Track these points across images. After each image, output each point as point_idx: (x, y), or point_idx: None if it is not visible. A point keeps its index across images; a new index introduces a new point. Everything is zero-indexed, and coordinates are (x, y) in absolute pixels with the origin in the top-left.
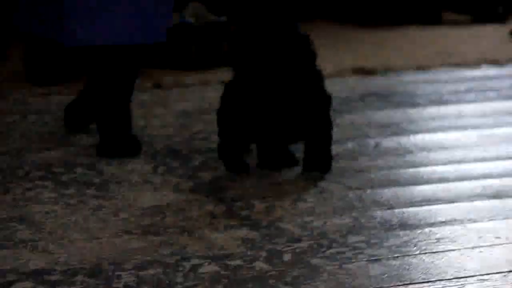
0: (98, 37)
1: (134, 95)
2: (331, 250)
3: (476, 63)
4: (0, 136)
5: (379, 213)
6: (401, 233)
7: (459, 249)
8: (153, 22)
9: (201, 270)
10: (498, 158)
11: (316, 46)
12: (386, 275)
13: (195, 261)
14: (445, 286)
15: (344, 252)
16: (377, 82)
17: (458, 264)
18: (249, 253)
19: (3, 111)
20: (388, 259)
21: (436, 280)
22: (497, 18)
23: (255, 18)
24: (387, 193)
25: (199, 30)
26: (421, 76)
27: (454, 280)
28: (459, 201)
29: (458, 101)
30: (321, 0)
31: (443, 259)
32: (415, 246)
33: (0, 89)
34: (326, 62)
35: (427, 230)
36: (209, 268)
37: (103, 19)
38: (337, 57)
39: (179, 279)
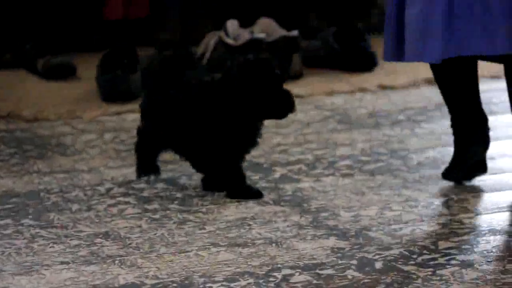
0: None
1: None
2: (423, 257)
3: None
4: (79, 155)
5: (467, 220)
6: (492, 238)
7: None
8: None
9: (293, 280)
10: None
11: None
12: (480, 279)
13: (286, 271)
14: None
15: (436, 259)
16: None
17: None
18: (339, 262)
19: (79, 130)
20: (481, 264)
21: None
22: None
23: None
24: (473, 199)
25: (271, 45)
26: (496, 84)
27: None
28: None
29: None
30: None
31: None
32: (507, 250)
33: (75, 108)
34: (399, 74)
35: None
36: (301, 277)
37: None
38: (410, 69)
39: None
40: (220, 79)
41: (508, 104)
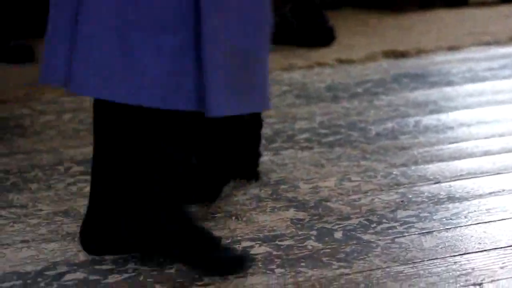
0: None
1: None
2: (382, 226)
3: (507, 41)
4: (37, 136)
5: (426, 188)
6: (451, 205)
7: (511, 218)
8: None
9: (253, 251)
10: None
11: (346, 34)
12: (440, 246)
13: (246, 243)
14: (500, 254)
15: (395, 227)
16: (409, 64)
17: None
18: (299, 233)
19: (38, 112)
20: (440, 231)
21: (491, 249)
22: None
23: None
24: (432, 168)
25: None
26: (454, 56)
27: (509, 248)
28: (506, 172)
29: (493, 78)
30: None
31: (495, 228)
32: (465, 217)
33: (33, 90)
34: (356, 48)
35: (476, 201)
36: (261, 249)
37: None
38: (367, 43)
39: None
40: None
41: (466, 74)
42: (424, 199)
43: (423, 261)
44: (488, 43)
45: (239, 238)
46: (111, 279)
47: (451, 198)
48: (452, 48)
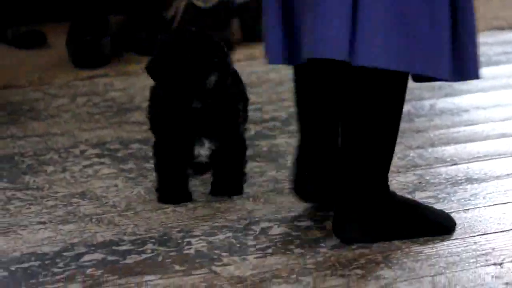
0: None
1: None
2: None
3: None
4: (52, 119)
5: (443, 170)
6: (469, 187)
7: None
8: None
9: (271, 232)
10: None
11: None
12: (459, 227)
13: (265, 224)
14: None
15: None
16: None
17: None
18: (317, 213)
19: (51, 95)
20: (458, 212)
21: (510, 229)
22: None
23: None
24: (449, 150)
25: (208, 12)
26: None
27: None
28: None
29: (507, 62)
30: None
31: None
32: (484, 198)
33: (46, 75)
34: None
35: (494, 182)
36: (279, 230)
37: None
38: None
39: (251, 242)
40: None
41: (480, 58)
42: (441, 181)
43: (443, 241)
44: (501, 28)
45: (257, 219)
46: (130, 259)
47: (469, 180)
48: None
